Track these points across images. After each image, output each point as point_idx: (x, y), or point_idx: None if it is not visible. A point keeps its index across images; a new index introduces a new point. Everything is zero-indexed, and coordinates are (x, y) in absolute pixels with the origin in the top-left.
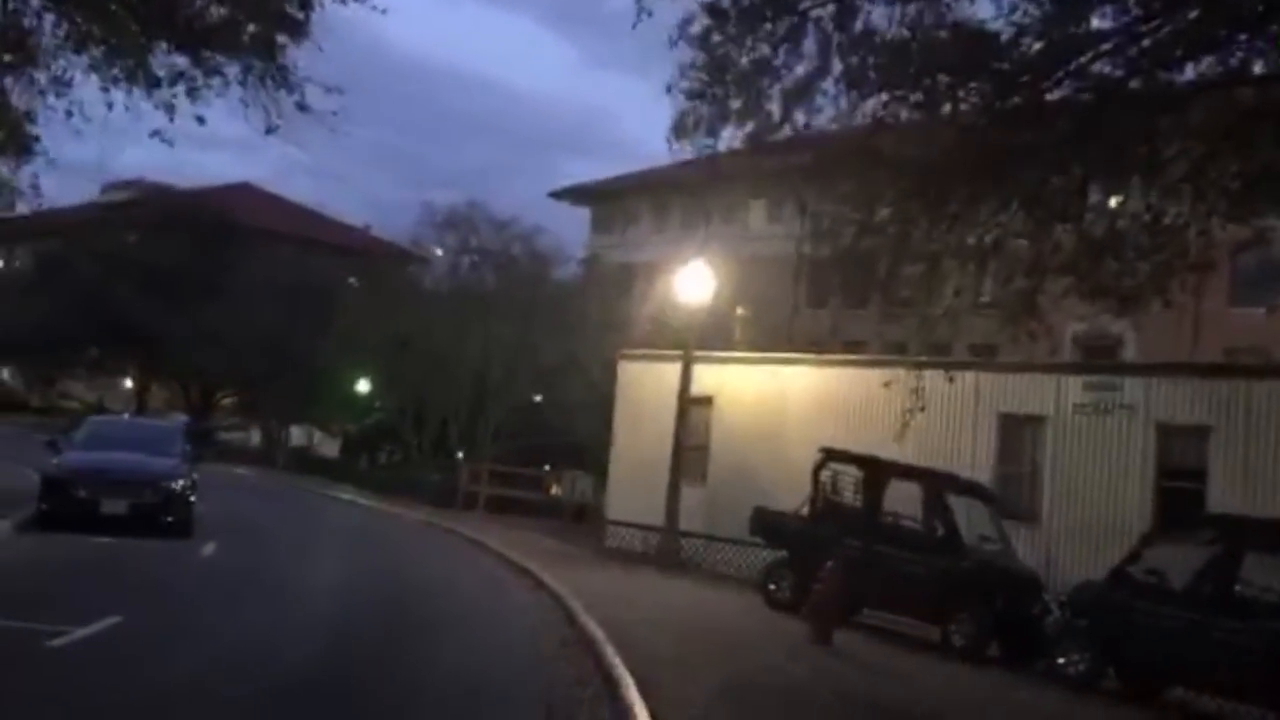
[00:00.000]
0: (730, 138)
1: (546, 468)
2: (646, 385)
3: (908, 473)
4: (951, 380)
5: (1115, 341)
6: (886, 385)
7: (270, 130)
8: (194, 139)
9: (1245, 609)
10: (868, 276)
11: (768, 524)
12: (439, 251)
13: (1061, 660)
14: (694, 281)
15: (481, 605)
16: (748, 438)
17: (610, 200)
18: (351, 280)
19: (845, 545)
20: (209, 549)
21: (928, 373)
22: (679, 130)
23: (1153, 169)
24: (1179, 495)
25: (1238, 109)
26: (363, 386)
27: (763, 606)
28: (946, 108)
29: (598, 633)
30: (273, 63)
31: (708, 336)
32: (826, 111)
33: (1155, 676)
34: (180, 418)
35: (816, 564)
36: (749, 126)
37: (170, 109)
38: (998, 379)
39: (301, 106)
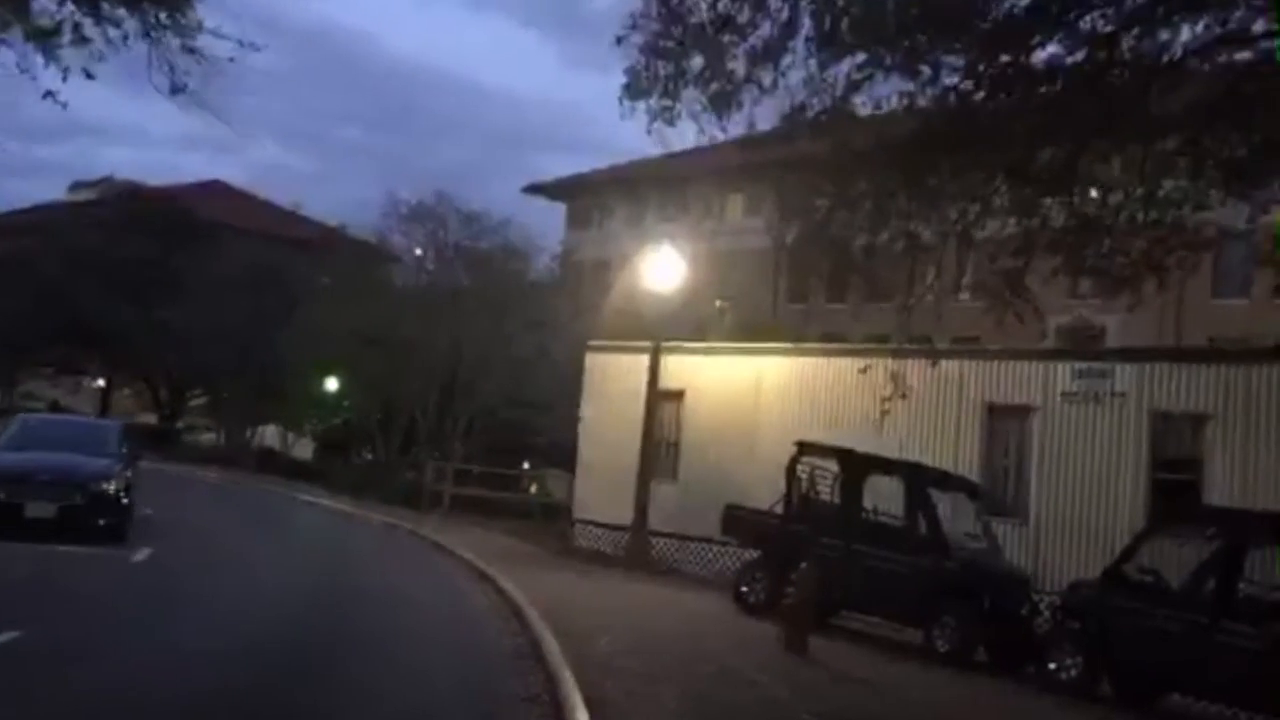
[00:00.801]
0: (691, 100)
1: (525, 465)
2: (615, 378)
3: (888, 467)
4: (935, 364)
5: (1098, 333)
6: (863, 371)
7: (176, 90)
8: (172, 141)
9: (1248, 609)
10: (843, 255)
11: (740, 523)
12: (418, 251)
13: (1053, 665)
14: (663, 268)
15: (430, 615)
16: (721, 432)
17: (585, 195)
18: (326, 280)
19: (822, 544)
20: (142, 555)
21: (909, 362)
22: (632, 89)
23: (1147, 137)
24: (1175, 488)
25: (1237, 72)
26: (332, 385)
27: (735, 611)
28: (926, 70)
29: (552, 644)
30: (173, 12)
31: (683, 329)
32: (796, 73)
33: (1152, 682)
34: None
35: (792, 565)
36: (711, 89)
37: (60, 63)
38: (982, 367)
39: (190, 50)
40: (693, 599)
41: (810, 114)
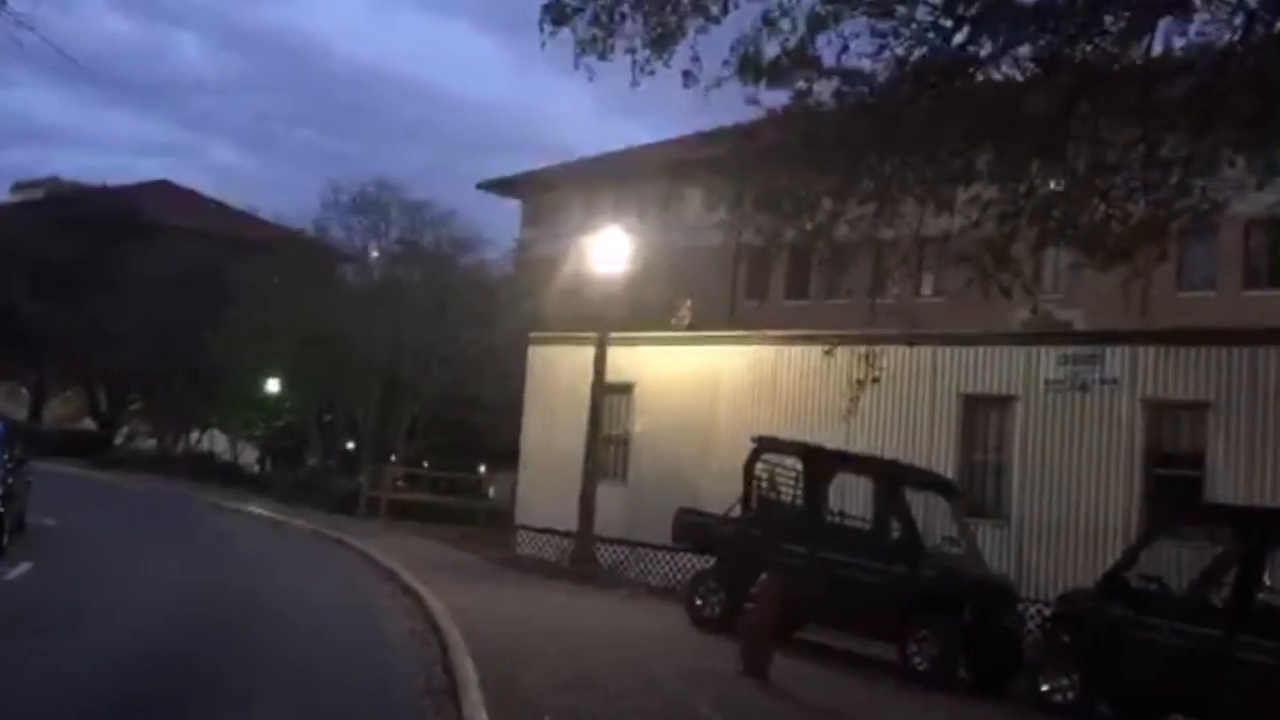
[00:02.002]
0: (631, 34)
1: (483, 469)
2: (559, 372)
3: (857, 464)
4: (914, 345)
5: (1064, 328)
6: (828, 352)
7: None
8: (126, 147)
9: (1268, 621)
10: (804, 222)
11: (693, 527)
12: (359, 244)
13: (1046, 685)
14: (609, 251)
15: (335, 640)
16: (675, 428)
17: (540, 192)
18: (275, 279)
19: (784, 551)
20: (20, 570)
21: (880, 349)
22: (554, 10)
23: (1149, 85)
24: (1174, 484)
25: (1248, 10)
26: (273, 387)
27: (688, 626)
28: (901, 8)
29: (471, 678)
30: None
31: (638, 325)
32: (751, 4)
33: (1158, 703)
34: None
35: (751, 574)
36: (652, 27)
37: None
38: (958, 354)
39: None
40: (642, 614)
41: (767, 56)
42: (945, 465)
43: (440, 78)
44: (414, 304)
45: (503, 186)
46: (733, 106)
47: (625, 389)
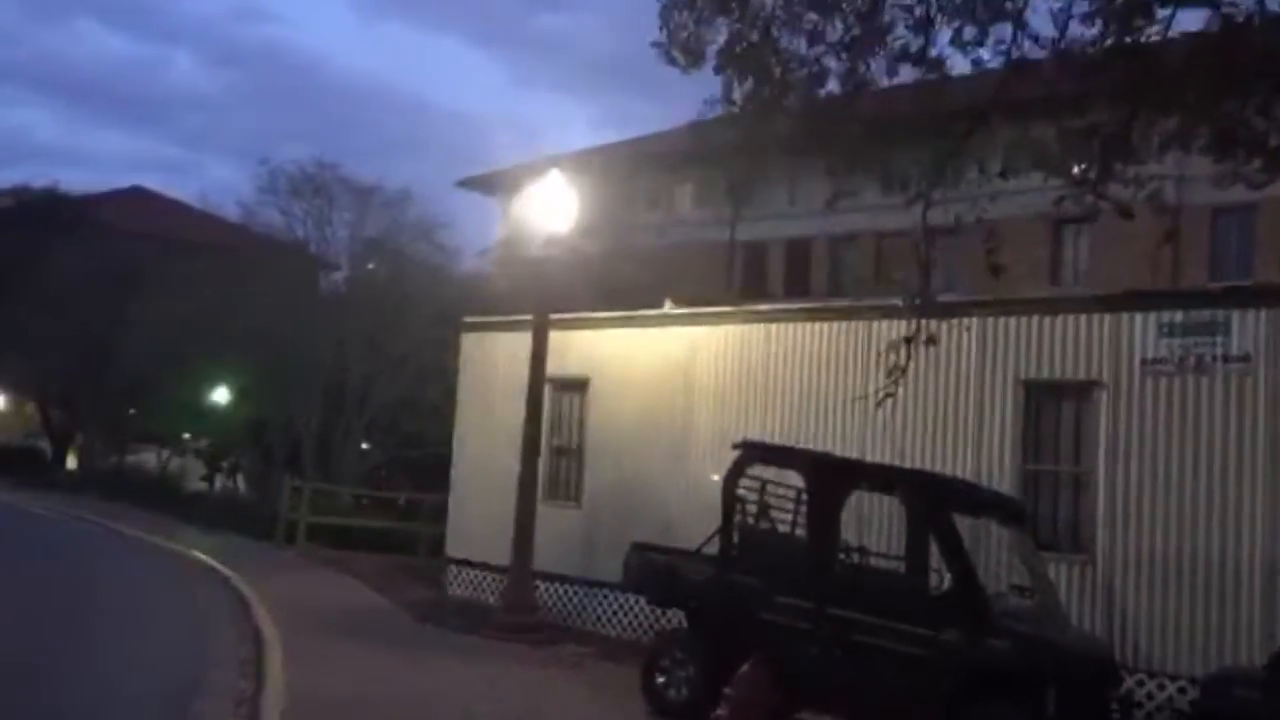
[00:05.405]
0: None
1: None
2: (498, 366)
3: (882, 479)
4: (967, 325)
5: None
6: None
7: None
8: (123, 164)
9: None
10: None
11: (652, 571)
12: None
13: None
14: (548, 202)
15: None
16: (640, 435)
17: (521, 189)
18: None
19: (778, 607)
20: None
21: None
22: None
23: None
24: None
25: None
26: (219, 397)
27: (646, 716)
28: None
29: None
30: None
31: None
32: None
33: None
34: None
35: (732, 639)
36: None
37: None
38: (1017, 326)
39: None
40: (582, 697)
41: None
42: (999, 480)
43: (431, 93)
44: (360, 300)
45: (483, 184)
46: None
47: (578, 385)
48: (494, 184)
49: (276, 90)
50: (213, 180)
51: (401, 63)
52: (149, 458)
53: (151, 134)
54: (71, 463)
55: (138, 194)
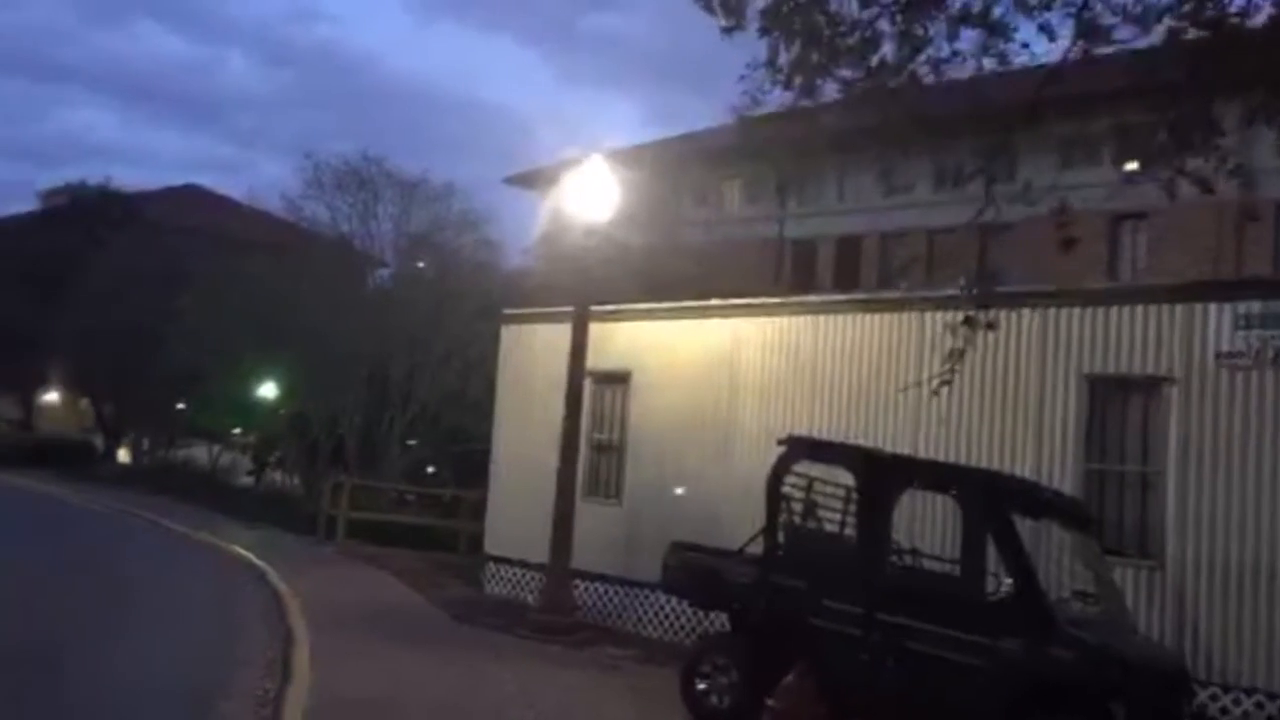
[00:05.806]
0: None
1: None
2: (537, 358)
3: (938, 477)
4: (1012, 307)
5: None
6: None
7: None
8: (180, 164)
9: None
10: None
11: (692, 573)
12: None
13: None
14: (590, 190)
15: None
16: (683, 430)
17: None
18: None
19: (826, 612)
20: None
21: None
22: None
23: None
24: None
25: None
26: (267, 391)
27: None
28: None
29: None
30: None
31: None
32: None
33: None
34: None
35: (777, 645)
36: None
37: None
38: (1081, 318)
39: None
40: (621, 702)
41: None
42: (1060, 479)
43: (482, 91)
44: (404, 294)
45: (530, 180)
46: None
47: (619, 379)
48: (541, 179)
49: (329, 90)
50: (264, 178)
51: (453, 62)
52: (200, 452)
53: (206, 133)
54: (124, 456)
55: (189, 191)
